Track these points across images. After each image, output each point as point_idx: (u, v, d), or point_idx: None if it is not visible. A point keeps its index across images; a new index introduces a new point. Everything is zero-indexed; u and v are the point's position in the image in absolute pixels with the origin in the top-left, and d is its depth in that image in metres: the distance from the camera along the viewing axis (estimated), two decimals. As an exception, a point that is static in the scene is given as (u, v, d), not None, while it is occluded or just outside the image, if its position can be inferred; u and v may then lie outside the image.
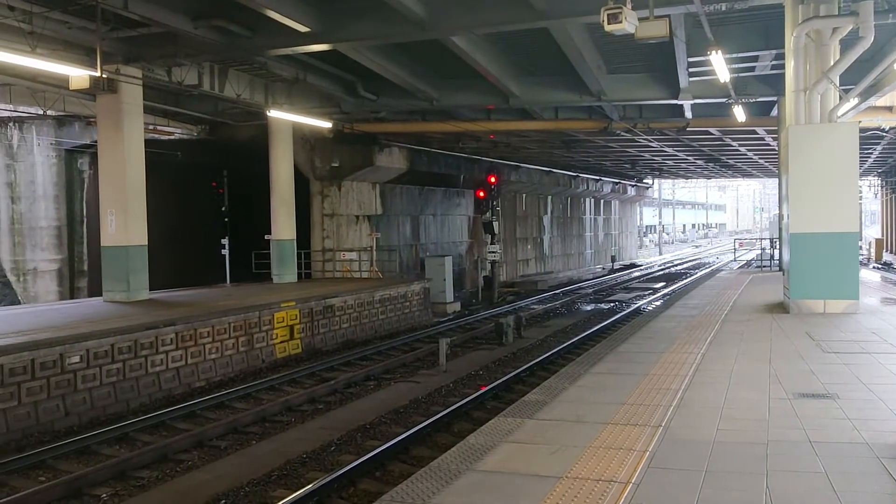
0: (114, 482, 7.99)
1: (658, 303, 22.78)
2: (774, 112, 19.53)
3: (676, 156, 33.51)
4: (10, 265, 20.39)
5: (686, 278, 33.89)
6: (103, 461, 8.56)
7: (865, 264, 31.44)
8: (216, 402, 11.28)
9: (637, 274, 39.40)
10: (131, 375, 11.26)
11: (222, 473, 8.22)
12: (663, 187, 75.26)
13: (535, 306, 23.67)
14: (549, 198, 40.31)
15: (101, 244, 15.56)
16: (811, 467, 4.53)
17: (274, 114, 17.33)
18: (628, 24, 8.48)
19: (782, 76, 13.54)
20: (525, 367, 13.21)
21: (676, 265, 46.97)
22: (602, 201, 49.42)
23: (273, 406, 10.84)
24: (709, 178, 58.17)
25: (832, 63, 11.09)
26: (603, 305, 24.41)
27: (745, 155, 33.61)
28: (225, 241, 20.45)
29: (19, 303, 19.69)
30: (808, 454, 4.77)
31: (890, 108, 19.45)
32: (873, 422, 5.45)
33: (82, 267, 21.01)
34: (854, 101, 11.84)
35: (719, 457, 4.75)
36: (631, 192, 52.34)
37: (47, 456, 8.68)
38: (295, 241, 20.88)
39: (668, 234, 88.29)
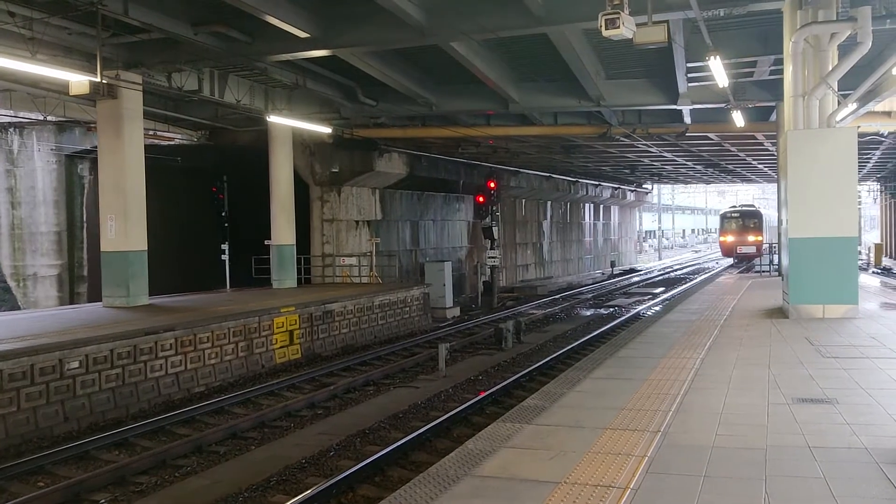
0: (113, 487, 7.99)
1: (657, 308, 22.78)
2: (773, 117, 19.57)
3: (675, 161, 33.55)
4: (9, 270, 20.42)
5: (685, 283, 33.89)
6: (102, 466, 8.56)
7: (865, 269, 31.44)
8: (215, 408, 11.26)
9: (636, 279, 39.39)
10: (130, 381, 11.26)
11: (221, 479, 8.21)
12: (663, 192, 75.28)
13: (534, 311, 23.67)
14: (549, 203, 40.34)
15: (101, 249, 15.55)
16: (810, 472, 4.53)
17: (274, 119, 17.35)
18: (626, 29, 8.49)
19: (781, 81, 13.60)
20: (524, 372, 13.20)
21: (676, 270, 46.97)
22: (601, 206, 49.49)
23: (272, 411, 10.83)
24: (708, 183, 58.12)
25: (830, 68, 11.12)
26: (602, 310, 24.39)
27: (745, 160, 33.66)
28: (225, 247, 20.46)
29: (19, 308, 19.70)
30: (807, 459, 4.78)
31: (888, 113, 19.48)
32: (872, 427, 5.46)
33: (82, 272, 21.02)
34: (853, 107, 11.87)
35: (718, 462, 4.75)
36: (630, 197, 52.43)
37: (46, 461, 8.66)
38: (294, 247, 20.88)
39: (667, 239, 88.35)
